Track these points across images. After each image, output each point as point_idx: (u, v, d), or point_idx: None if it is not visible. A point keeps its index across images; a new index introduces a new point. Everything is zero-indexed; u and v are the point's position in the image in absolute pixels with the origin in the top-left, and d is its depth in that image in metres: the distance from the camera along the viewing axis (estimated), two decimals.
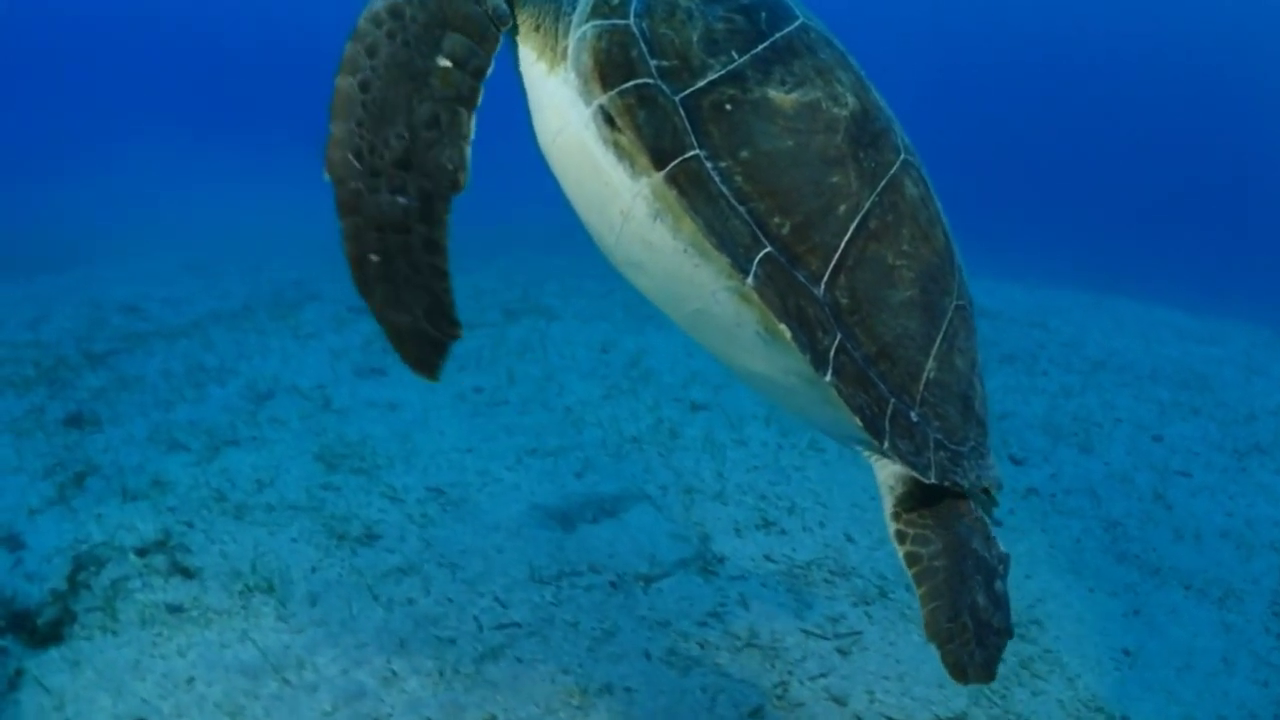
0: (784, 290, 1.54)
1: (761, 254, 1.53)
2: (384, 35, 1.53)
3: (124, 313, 7.04)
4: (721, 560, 3.40)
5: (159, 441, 4.17)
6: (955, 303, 1.75)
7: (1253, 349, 8.22)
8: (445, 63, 1.56)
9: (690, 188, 1.52)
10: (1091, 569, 3.71)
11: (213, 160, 19.08)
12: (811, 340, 1.55)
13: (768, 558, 3.49)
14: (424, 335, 1.61)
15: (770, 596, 3.24)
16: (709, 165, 1.54)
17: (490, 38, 1.60)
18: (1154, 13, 36.02)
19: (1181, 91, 38.09)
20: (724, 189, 1.54)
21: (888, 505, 1.78)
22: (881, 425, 1.61)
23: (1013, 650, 3.03)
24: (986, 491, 1.78)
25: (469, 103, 1.56)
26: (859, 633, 3.06)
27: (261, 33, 40.30)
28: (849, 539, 3.70)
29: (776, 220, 1.56)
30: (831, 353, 1.57)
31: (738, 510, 3.80)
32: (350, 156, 1.51)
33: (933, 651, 1.65)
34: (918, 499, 1.75)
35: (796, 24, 1.70)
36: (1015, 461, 4.74)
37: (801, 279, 1.56)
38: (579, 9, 1.66)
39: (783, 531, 3.67)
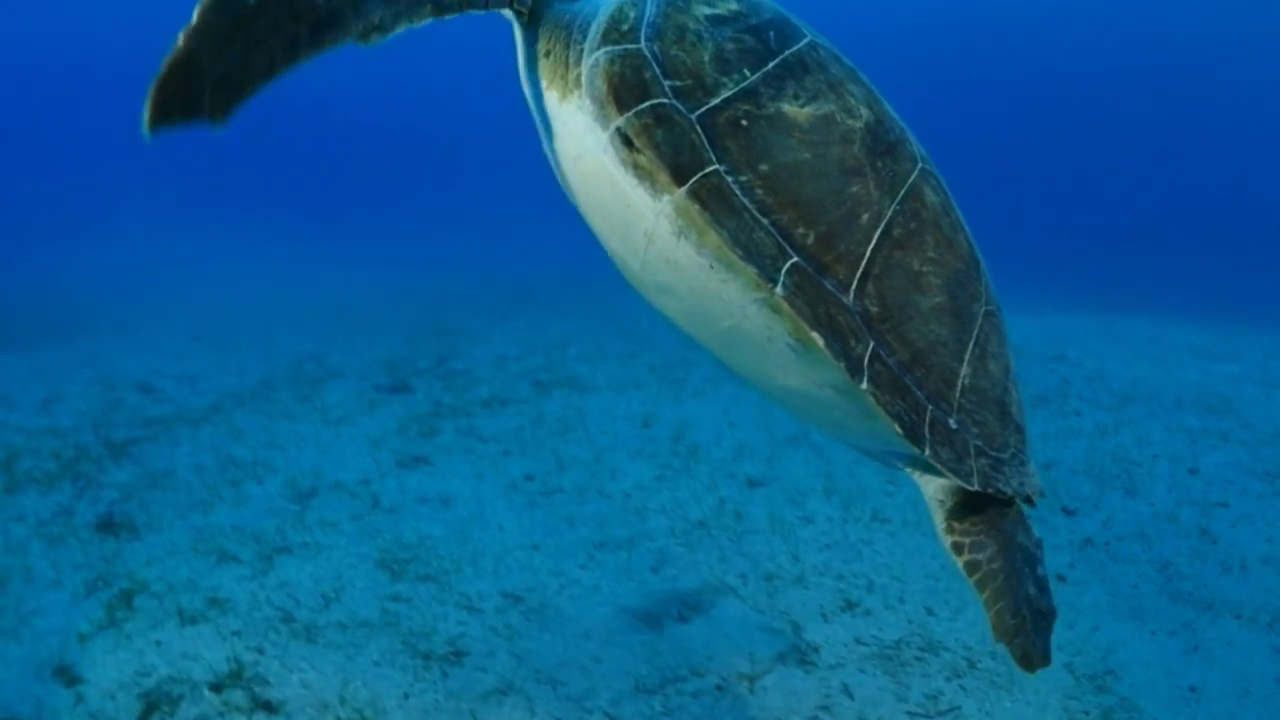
0: (813, 299, 1.55)
1: (789, 264, 1.54)
2: None
3: (139, 392, 6.95)
4: (816, 649, 3.35)
5: (206, 551, 4.04)
6: (984, 308, 1.77)
7: (1268, 361, 8.39)
8: None
9: (712, 201, 1.53)
10: (1151, 612, 3.76)
11: (212, 229, 19.10)
12: (845, 348, 1.55)
13: (858, 641, 3.45)
14: (197, 93, 1.29)
15: (870, 682, 3.19)
16: (729, 179, 1.55)
17: None
18: (1140, 17, 36.89)
19: (1168, 100, 38.95)
20: (746, 202, 1.55)
21: (939, 520, 1.81)
22: (921, 432, 1.61)
23: (1095, 703, 3.08)
24: (1029, 499, 1.78)
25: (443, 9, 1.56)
26: (958, 707, 3.05)
27: (259, 105, 40.37)
28: (929, 612, 3.68)
29: (801, 230, 1.57)
30: (866, 360, 1.57)
31: (819, 594, 3.74)
32: None
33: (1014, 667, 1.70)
34: (966, 508, 1.78)
35: (805, 41, 1.74)
36: (1068, 513, 4.75)
37: (830, 287, 1.57)
38: (590, 36, 1.69)
39: (867, 612, 3.63)
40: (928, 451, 1.61)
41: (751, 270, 1.52)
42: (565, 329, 9.04)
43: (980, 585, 1.73)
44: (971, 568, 1.74)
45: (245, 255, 16.80)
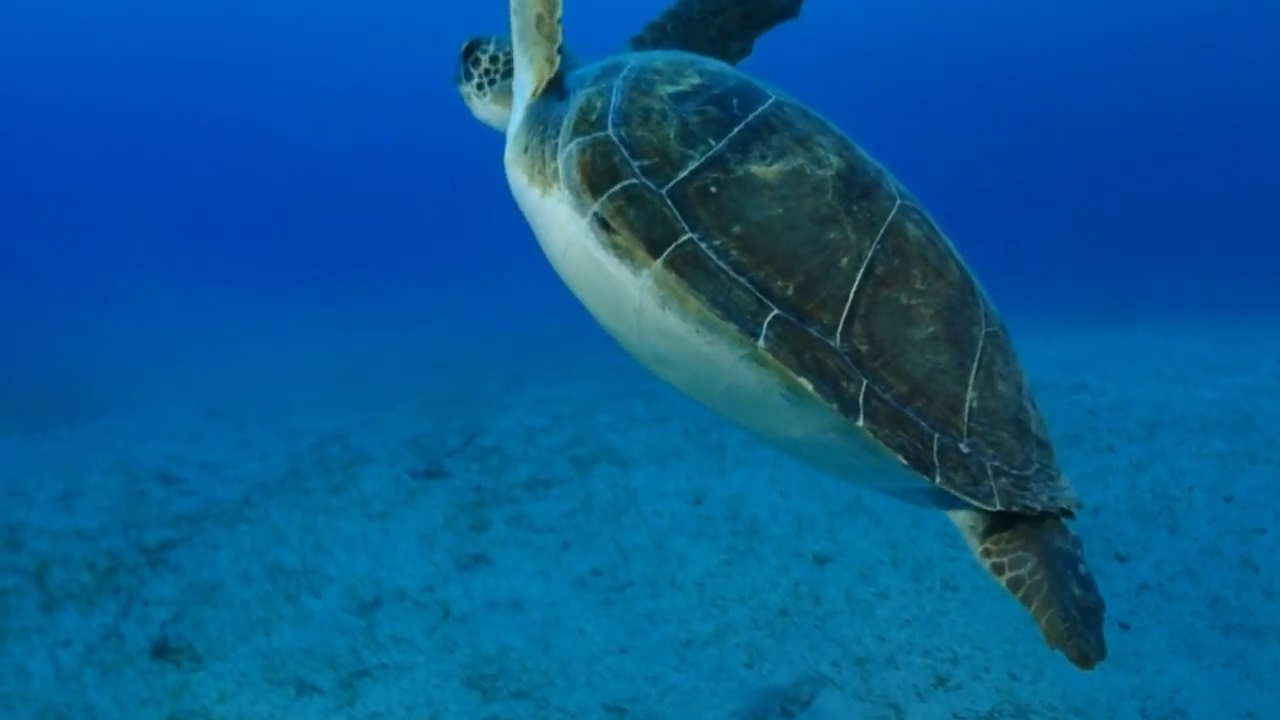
0: (798, 347, 1.63)
1: (770, 316, 1.63)
2: None
3: (161, 483, 6.90)
4: None
5: (281, 681, 3.98)
6: (985, 330, 1.83)
7: (1279, 368, 8.69)
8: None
9: (688, 269, 1.65)
10: (1206, 647, 3.92)
11: (212, 298, 19.07)
12: (836, 389, 1.63)
13: (956, 716, 3.55)
14: None
15: None
16: (703, 245, 1.66)
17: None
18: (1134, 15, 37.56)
19: (1152, 103, 39.81)
20: (722, 264, 1.66)
21: (975, 546, 1.84)
22: (929, 461, 1.67)
23: None
24: (1065, 512, 1.82)
25: None
26: None
27: (261, 169, 40.83)
28: (1013, 677, 3.77)
29: (780, 283, 1.66)
30: (860, 398, 1.64)
31: (910, 673, 3.80)
32: None
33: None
34: (998, 529, 1.81)
35: (769, 103, 1.85)
36: (1121, 559, 4.90)
37: (815, 333, 1.65)
38: (562, 131, 1.84)
39: (958, 686, 3.72)
40: (939, 479, 1.67)
41: (733, 328, 1.62)
42: (586, 391, 9.08)
43: (1027, 599, 1.76)
44: (1015, 584, 1.77)
45: (246, 322, 16.77)
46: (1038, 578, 1.74)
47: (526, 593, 4.62)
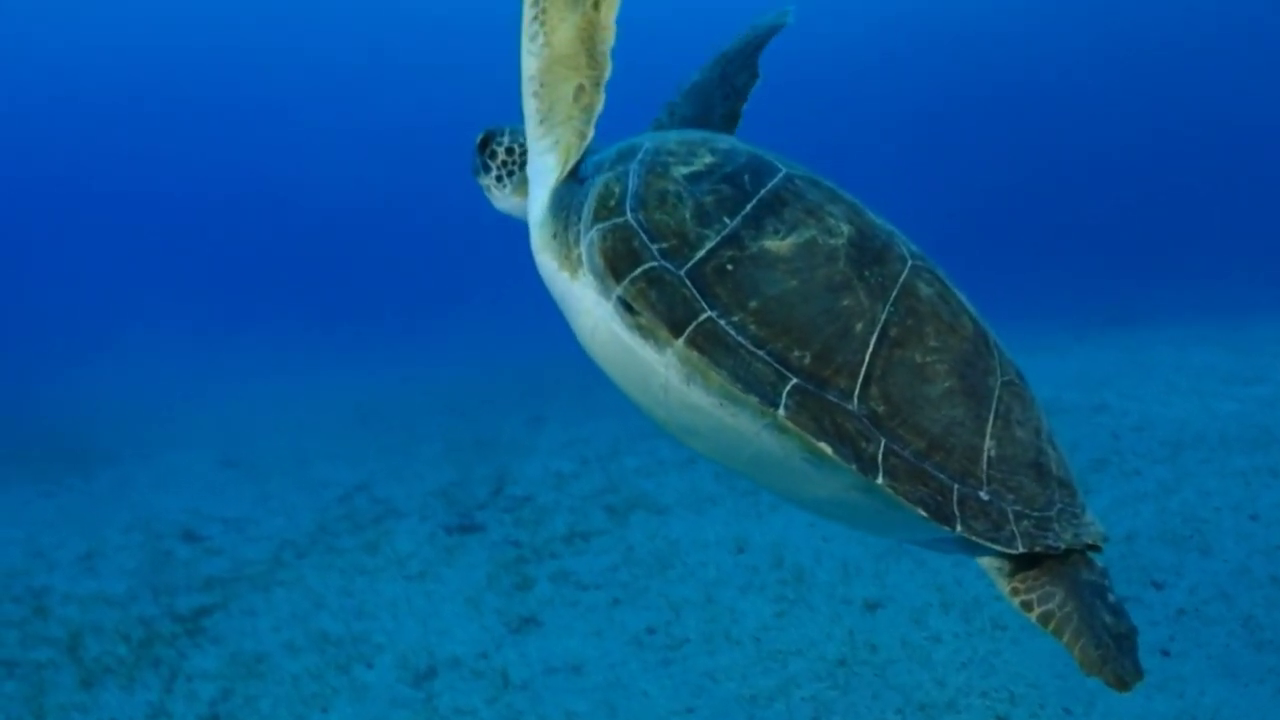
0: (817, 413, 1.73)
1: (789, 386, 1.74)
2: None
3: (185, 541, 6.94)
4: None
5: None
6: (1001, 379, 1.92)
7: None
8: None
9: (709, 345, 1.75)
10: (1242, 666, 4.14)
11: (221, 342, 19.16)
12: (855, 451, 1.73)
13: None
14: None
15: None
16: (722, 322, 1.77)
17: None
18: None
19: (1149, 106, 40.31)
20: (741, 339, 1.76)
21: (1003, 587, 1.92)
22: (949, 511, 1.76)
23: None
24: (1092, 546, 1.90)
25: None
26: None
27: (262, 211, 41.10)
28: (1067, 712, 3.97)
29: (797, 353, 1.77)
30: (880, 457, 1.74)
31: (970, 715, 3.93)
32: None
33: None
34: (1024, 568, 1.90)
35: (780, 176, 1.96)
36: (1157, 586, 5.10)
37: (833, 398, 1.76)
38: (583, 217, 1.95)
39: None
40: (960, 528, 1.76)
41: (754, 399, 1.72)
42: (607, 432, 9.19)
43: (1058, 632, 1.83)
44: (1045, 618, 1.85)
45: (256, 365, 16.88)
46: (1067, 610, 1.82)
47: (583, 655, 4.72)
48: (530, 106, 1.99)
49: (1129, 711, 3.98)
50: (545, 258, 2.05)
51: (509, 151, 2.33)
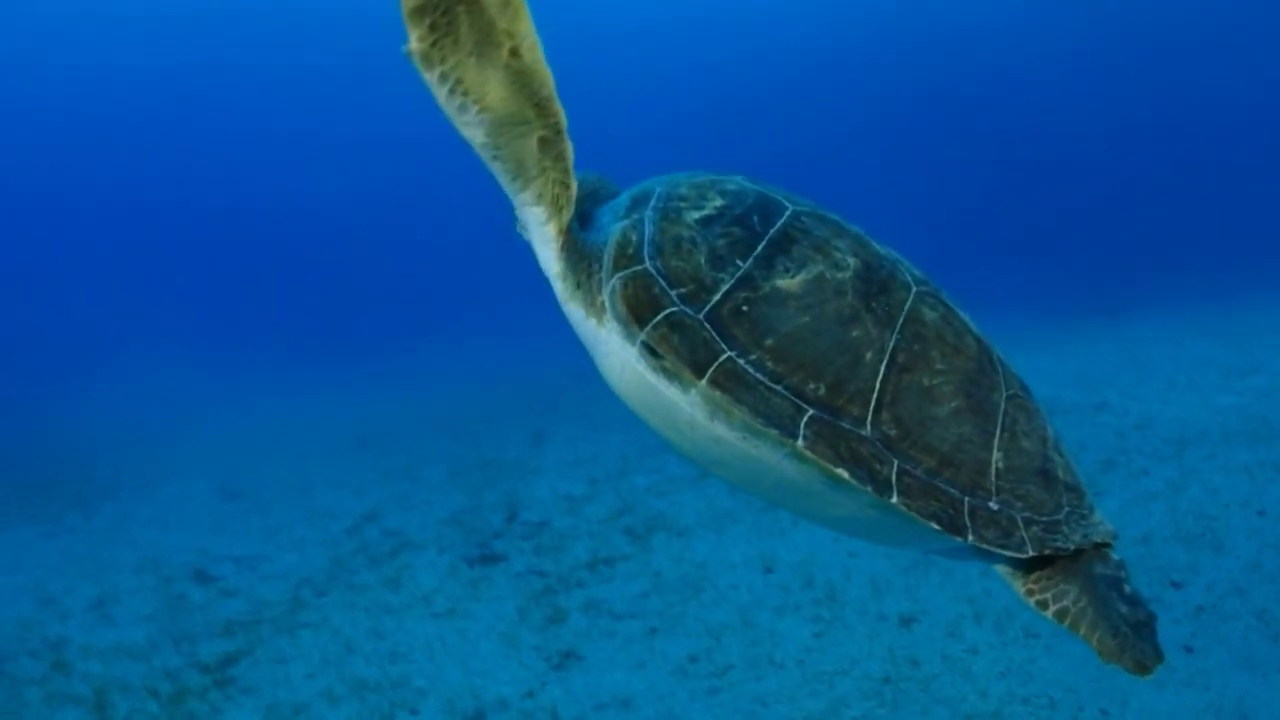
0: (834, 441, 1.89)
1: (806, 417, 1.90)
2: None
3: (198, 583, 6.96)
4: None
5: None
6: (1006, 394, 2.08)
7: None
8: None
9: (730, 384, 1.91)
10: (1260, 658, 4.45)
11: (210, 367, 19.09)
12: (870, 474, 1.88)
13: None
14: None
15: None
16: (741, 361, 1.93)
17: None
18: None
19: (1126, 96, 40.95)
20: (759, 376, 1.92)
21: (1019, 589, 2.08)
22: (961, 523, 1.91)
23: None
24: (1101, 545, 2.05)
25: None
26: None
27: (256, 234, 40.77)
28: (1104, 713, 4.26)
29: (812, 385, 1.93)
30: (894, 478, 1.90)
31: None
32: None
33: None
34: (1037, 569, 2.05)
35: (786, 215, 2.12)
36: (1176, 586, 5.40)
37: (847, 426, 1.91)
38: (604, 265, 2.10)
39: None
40: (971, 538, 1.91)
41: (774, 432, 1.88)
42: (612, 448, 9.34)
43: (1074, 626, 1.97)
44: (1060, 615, 1.99)
45: (246, 389, 16.81)
46: (1081, 605, 1.96)
47: (630, 688, 4.85)
48: (496, 170, 2.05)
49: (1161, 708, 4.26)
50: (572, 307, 2.19)
51: None
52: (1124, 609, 1.96)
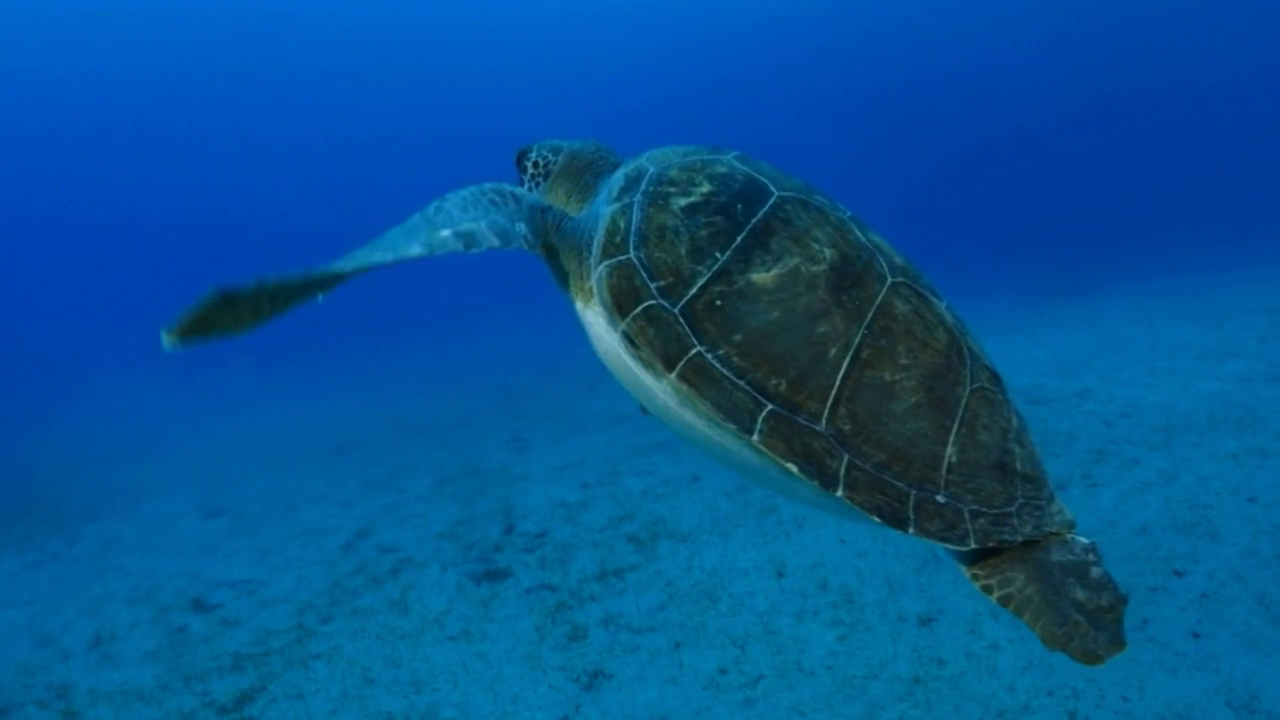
0: (788, 436, 2.03)
1: (764, 412, 2.04)
2: (419, 216, 2.25)
3: (197, 613, 6.99)
4: None
5: None
6: (970, 388, 2.18)
7: (1263, 348, 9.79)
8: (445, 232, 2.18)
9: (696, 378, 2.07)
10: (1263, 639, 4.75)
11: (174, 380, 18.85)
12: (820, 469, 2.02)
13: None
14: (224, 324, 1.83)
15: None
16: (709, 356, 2.08)
17: (506, 239, 2.24)
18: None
19: (1080, 72, 41.72)
20: (725, 371, 2.07)
21: (964, 571, 2.19)
22: (904, 516, 2.04)
23: None
24: (1056, 534, 2.15)
25: (430, 249, 2.15)
26: None
27: (204, 232, 39.92)
28: (1125, 699, 4.54)
29: (774, 382, 2.06)
30: (842, 472, 2.03)
31: (1044, 715, 4.40)
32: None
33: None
34: (984, 556, 2.16)
35: (770, 203, 2.25)
36: (1179, 574, 5.72)
37: (803, 421, 2.05)
38: (593, 251, 2.28)
39: (1086, 718, 4.44)
40: (912, 530, 2.04)
41: (732, 426, 2.04)
42: (598, 450, 9.46)
43: (1019, 611, 2.05)
44: (1005, 600, 2.08)
45: (214, 401, 16.77)
46: (1027, 592, 2.04)
47: (665, 705, 4.97)
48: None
49: (1175, 691, 4.56)
50: (564, 289, 2.42)
51: (535, 164, 2.80)
52: (1081, 595, 2.03)
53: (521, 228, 2.33)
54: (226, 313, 1.81)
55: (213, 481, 10.72)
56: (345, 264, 2.02)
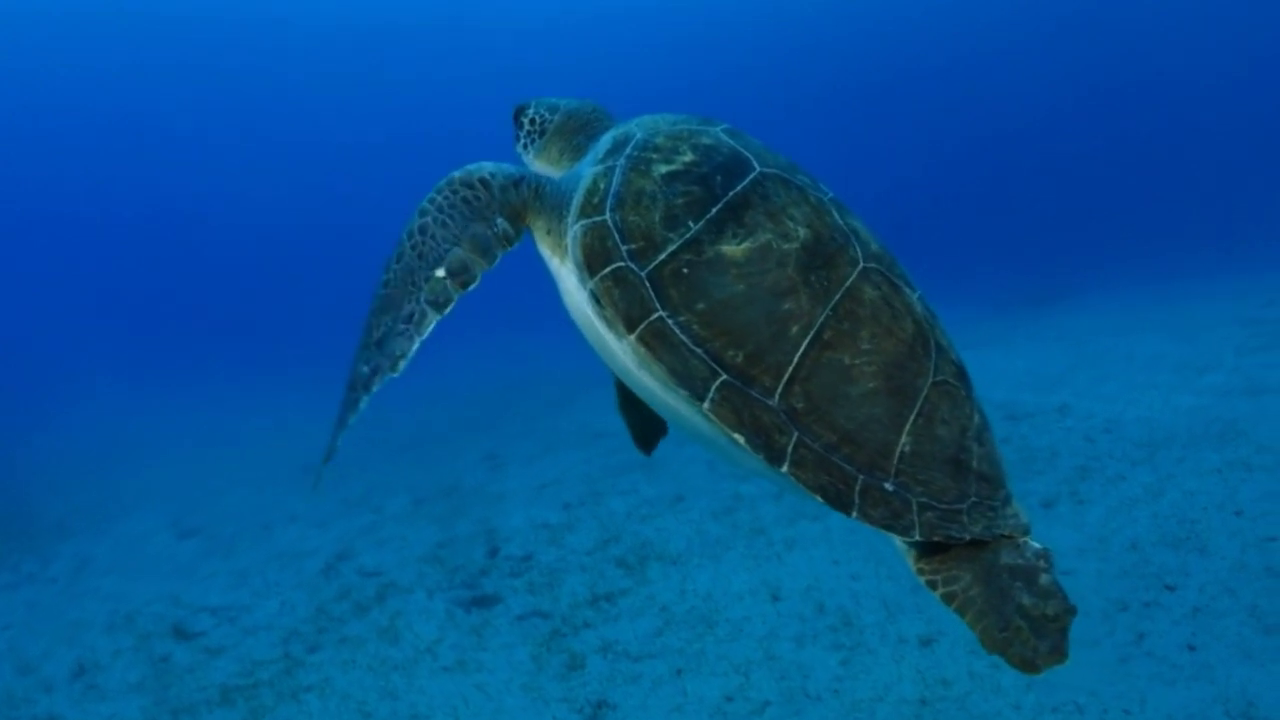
0: (739, 407, 2.07)
1: (718, 382, 2.09)
2: (409, 247, 2.33)
3: (179, 641, 6.96)
4: None
5: None
6: (932, 380, 2.20)
7: (1241, 361, 9.99)
8: (440, 273, 2.31)
9: (654, 342, 2.13)
10: (1256, 649, 4.95)
11: (144, 392, 18.65)
12: (768, 442, 2.06)
13: None
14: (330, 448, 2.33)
15: None
16: (670, 322, 2.12)
17: (491, 253, 2.37)
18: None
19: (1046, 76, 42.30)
20: (684, 338, 2.12)
21: (910, 563, 2.21)
22: (849, 499, 2.07)
23: None
24: (1009, 537, 2.17)
25: (440, 307, 2.30)
26: None
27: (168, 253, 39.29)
28: (1127, 713, 4.70)
29: (731, 353, 2.10)
30: (790, 448, 2.07)
31: None
32: (363, 332, 2.33)
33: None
34: (932, 551, 2.18)
35: (751, 177, 2.28)
36: (1170, 589, 5.92)
37: (755, 394, 2.09)
38: (571, 210, 2.33)
39: None
40: (856, 514, 2.06)
41: (684, 392, 2.10)
42: (575, 469, 9.49)
43: (961, 610, 2.07)
44: (948, 598, 2.10)
45: (178, 416, 16.66)
46: (972, 593, 2.06)
47: None
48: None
49: (1174, 703, 4.73)
50: (542, 247, 2.50)
51: (532, 122, 2.88)
52: (1027, 601, 2.02)
53: (500, 224, 2.42)
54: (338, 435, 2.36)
55: (183, 498, 10.68)
56: (383, 364, 2.32)
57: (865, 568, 6.45)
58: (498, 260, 2.39)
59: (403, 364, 2.25)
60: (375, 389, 2.26)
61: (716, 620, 6.09)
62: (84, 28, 36.00)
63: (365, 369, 2.28)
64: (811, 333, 2.13)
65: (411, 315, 2.27)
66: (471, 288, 2.34)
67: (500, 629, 6.42)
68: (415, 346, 2.26)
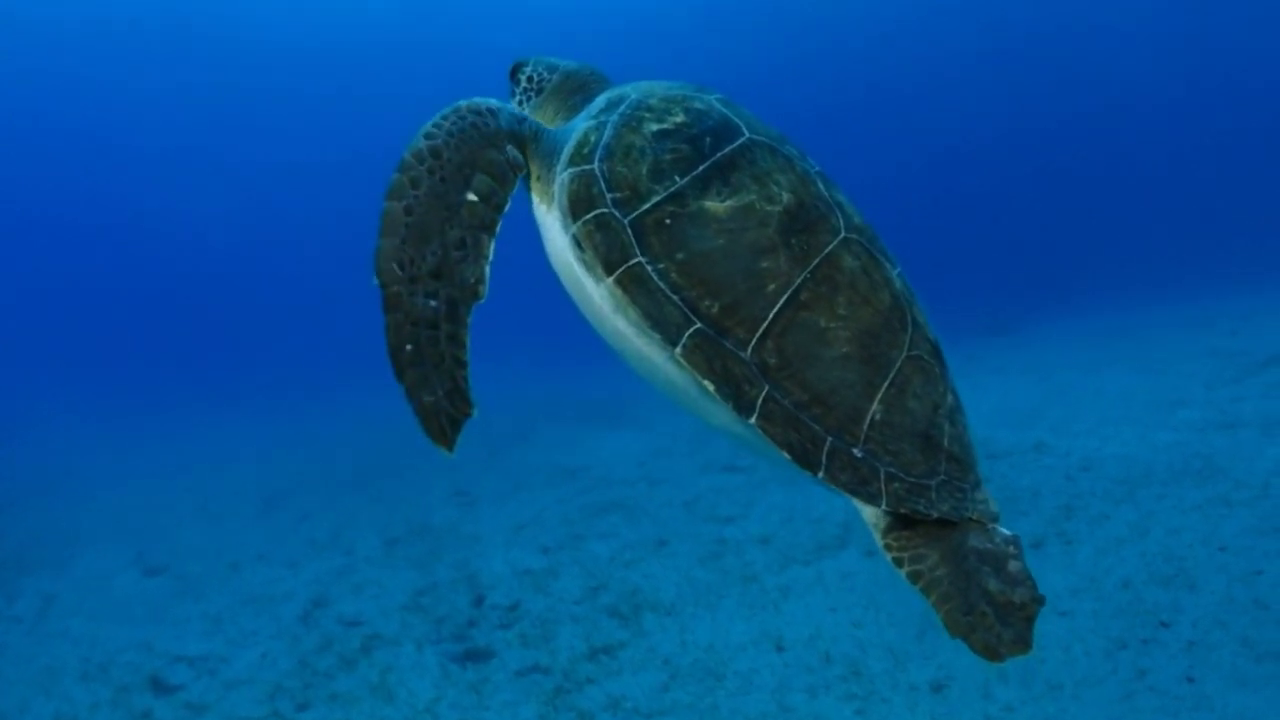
0: (710, 355, 2.15)
1: (691, 329, 2.17)
2: (425, 171, 2.27)
3: (158, 695, 6.84)
4: None
5: None
6: (906, 354, 2.27)
7: (1211, 394, 10.41)
8: (473, 197, 2.30)
9: (631, 285, 2.21)
10: (1250, 677, 5.25)
11: (99, 419, 18.26)
12: (737, 392, 2.13)
13: None
14: (444, 412, 2.20)
15: None
16: (649, 268, 2.21)
17: (508, 180, 2.39)
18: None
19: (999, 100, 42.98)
20: (661, 284, 2.20)
21: (878, 538, 2.25)
22: (817, 459, 2.13)
23: None
24: (976, 521, 2.22)
25: (490, 230, 2.30)
26: None
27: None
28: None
29: (706, 303, 2.18)
30: (759, 401, 2.13)
31: None
32: (395, 266, 2.17)
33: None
34: (900, 527, 2.22)
35: (740, 141, 2.39)
36: (1165, 625, 6.20)
37: (729, 346, 2.16)
38: (561, 159, 2.45)
39: None
40: (823, 475, 2.12)
41: (657, 336, 2.18)
42: (549, 507, 9.60)
43: (926, 591, 2.10)
44: (914, 577, 2.13)
45: (133, 445, 16.52)
46: (938, 573, 2.10)
47: None
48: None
49: None
50: (532, 194, 2.59)
51: (529, 79, 2.97)
52: (993, 586, 2.05)
53: (511, 151, 2.44)
54: (427, 409, 2.20)
55: (142, 530, 10.57)
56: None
57: (866, 615, 6.65)
58: (513, 190, 2.41)
59: (483, 289, 2.24)
60: (465, 317, 2.21)
61: (723, 673, 6.21)
62: (56, 38, 35.25)
63: (433, 303, 2.18)
64: (788, 292, 2.20)
65: (463, 241, 2.26)
66: (504, 211, 2.37)
67: (500, 685, 6.43)
68: (486, 269, 2.26)
